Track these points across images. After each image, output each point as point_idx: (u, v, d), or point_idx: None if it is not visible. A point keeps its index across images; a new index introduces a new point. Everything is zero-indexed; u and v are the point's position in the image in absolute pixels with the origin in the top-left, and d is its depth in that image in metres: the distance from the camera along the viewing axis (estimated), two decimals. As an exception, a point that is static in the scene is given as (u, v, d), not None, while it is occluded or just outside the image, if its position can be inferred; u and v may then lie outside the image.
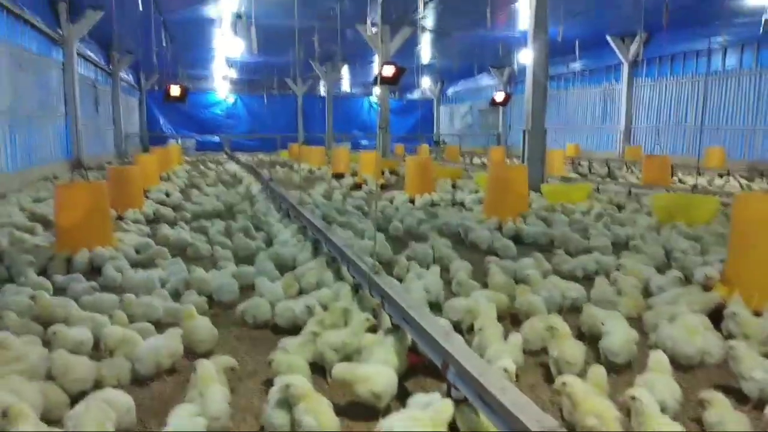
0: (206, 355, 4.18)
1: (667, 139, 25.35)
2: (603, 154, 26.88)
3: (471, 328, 4.60)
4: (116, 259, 6.90)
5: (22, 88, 16.98)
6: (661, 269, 6.53)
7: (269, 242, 8.26)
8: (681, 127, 24.98)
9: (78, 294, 5.58)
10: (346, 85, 42.19)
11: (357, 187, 16.35)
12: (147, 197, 12.53)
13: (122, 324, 4.59)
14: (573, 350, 4.07)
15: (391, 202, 12.59)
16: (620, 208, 11.42)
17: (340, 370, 3.62)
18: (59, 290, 5.85)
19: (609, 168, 20.90)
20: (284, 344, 4.18)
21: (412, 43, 23.48)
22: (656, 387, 3.47)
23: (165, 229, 8.81)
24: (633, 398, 3.17)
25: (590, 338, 4.68)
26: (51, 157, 19.57)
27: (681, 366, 4.23)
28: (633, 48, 25.16)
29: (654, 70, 26.14)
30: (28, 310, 4.99)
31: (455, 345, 3.39)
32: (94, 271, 6.85)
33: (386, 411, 3.65)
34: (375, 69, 30.45)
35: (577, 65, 29.43)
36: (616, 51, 25.70)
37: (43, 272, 6.55)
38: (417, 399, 3.43)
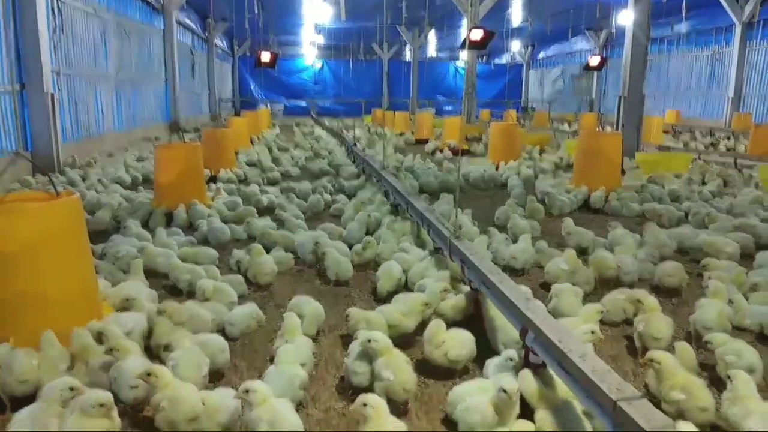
0: (267, 286, 5.20)
1: (780, 108, 23.13)
2: (707, 122, 24.98)
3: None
4: (211, 216, 7.33)
5: (126, 55, 18.07)
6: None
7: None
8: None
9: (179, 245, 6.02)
10: (431, 50, 41.50)
11: (439, 151, 16.20)
12: (238, 158, 13.08)
13: (214, 277, 4.94)
14: (660, 325, 3.92)
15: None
16: (726, 182, 10.55)
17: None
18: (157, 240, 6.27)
19: (712, 136, 19.44)
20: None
21: (502, 6, 22.61)
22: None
23: (254, 190, 9.20)
24: (728, 377, 3.02)
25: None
26: (152, 119, 20.83)
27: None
28: (748, 7, 22.88)
29: (771, 31, 23.72)
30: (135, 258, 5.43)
31: (535, 310, 3.35)
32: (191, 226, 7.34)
33: (464, 371, 3.71)
34: (462, 33, 29.70)
35: (682, 26, 27.21)
36: (728, 11, 23.48)
37: (144, 224, 7.06)
38: (494, 361, 3.45)
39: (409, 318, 4.10)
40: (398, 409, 3.24)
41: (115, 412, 2.86)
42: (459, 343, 3.64)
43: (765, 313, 4.31)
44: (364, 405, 2.71)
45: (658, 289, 5.13)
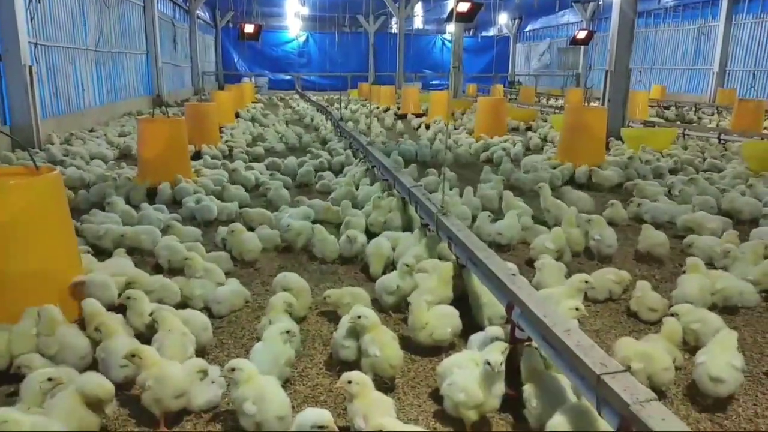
0: (253, 262, 5.16)
1: (764, 82, 23.26)
2: (692, 97, 25.09)
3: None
4: (197, 192, 7.26)
5: (106, 26, 17.62)
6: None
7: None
8: (783, 70, 22.78)
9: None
10: (418, 23, 41.03)
11: (401, 117, 16.12)
12: (222, 133, 12.91)
13: (200, 255, 4.90)
14: (654, 298, 4.10)
15: (457, 143, 12.37)
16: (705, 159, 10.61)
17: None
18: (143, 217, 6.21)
19: (696, 112, 19.57)
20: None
21: (489, -24, 22.35)
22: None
23: (239, 166, 9.10)
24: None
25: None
26: (134, 93, 20.45)
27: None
28: (735, -20, 22.88)
29: (757, 5, 23.71)
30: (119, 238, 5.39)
31: (521, 286, 3.37)
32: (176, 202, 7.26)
33: (450, 346, 3.75)
34: (450, 5, 29.34)
35: (669, 0, 27.15)
36: (715, -17, 23.50)
37: (126, 200, 6.96)
38: (478, 336, 3.49)
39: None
40: (385, 385, 3.27)
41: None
42: (443, 322, 3.67)
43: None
44: (349, 382, 2.72)
45: (639, 264, 5.22)
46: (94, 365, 3.29)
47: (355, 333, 3.38)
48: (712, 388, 3.11)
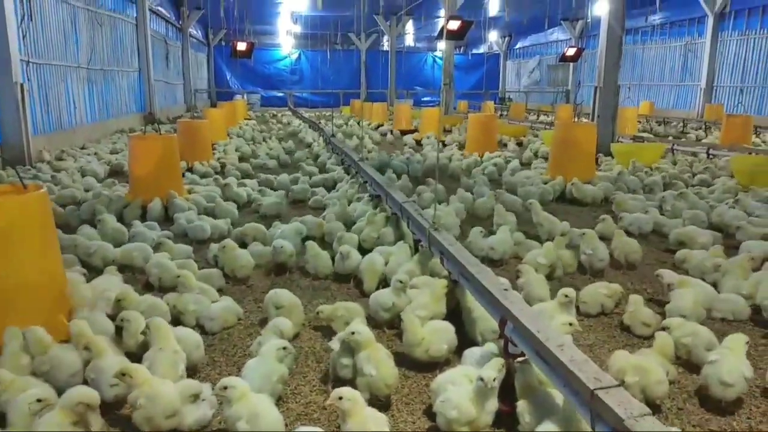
0: (245, 279, 5.16)
1: (751, 98, 23.59)
2: (680, 113, 25.39)
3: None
4: (190, 210, 7.24)
5: (98, 44, 17.66)
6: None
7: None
8: (768, 87, 23.13)
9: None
10: (409, 40, 41.40)
11: (417, 143, 16.25)
12: (215, 150, 12.91)
13: (192, 271, 4.90)
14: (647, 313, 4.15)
15: (450, 160, 12.43)
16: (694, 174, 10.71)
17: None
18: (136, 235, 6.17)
19: (684, 127, 19.80)
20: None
21: (480, -5, 22.64)
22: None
23: (231, 182, 9.09)
24: None
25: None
26: (126, 111, 20.43)
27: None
28: (720, -1, 23.29)
29: (742, 23, 24.15)
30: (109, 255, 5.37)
31: (513, 301, 3.37)
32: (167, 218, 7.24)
33: (445, 362, 3.73)
34: (440, 23, 29.68)
35: (656, 18, 27.57)
36: (701, 1, 23.87)
37: (118, 217, 6.93)
38: (473, 351, 3.48)
39: None
40: (379, 401, 3.25)
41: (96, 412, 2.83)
42: (439, 338, 3.66)
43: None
44: (340, 398, 2.70)
45: (631, 277, 5.24)
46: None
47: (351, 350, 3.36)
48: (721, 392, 3.19)
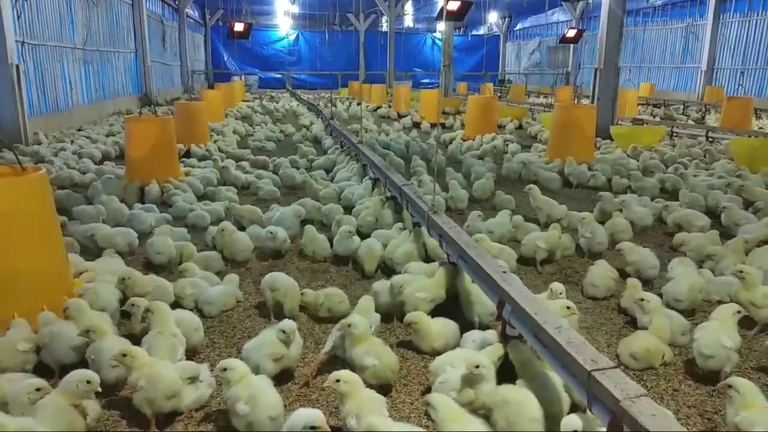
0: (244, 262, 5.16)
1: (752, 81, 23.46)
2: (681, 95, 25.28)
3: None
4: (186, 192, 7.23)
5: (94, 25, 17.47)
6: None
7: (330, 179, 8.40)
8: (770, 69, 22.97)
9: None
10: (409, 21, 41.01)
11: (416, 126, 16.18)
12: (212, 133, 12.85)
13: (190, 254, 5.02)
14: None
15: (450, 142, 12.40)
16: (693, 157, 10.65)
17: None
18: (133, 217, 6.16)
19: (685, 110, 19.72)
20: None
21: (479, -25, 22.36)
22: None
23: (229, 165, 9.06)
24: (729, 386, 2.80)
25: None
26: (122, 92, 20.29)
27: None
28: (722, -21, 23.05)
29: (744, 4, 23.92)
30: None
31: (512, 284, 3.38)
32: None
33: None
34: (440, 3, 29.35)
35: (658, -1, 27.36)
36: (703, -18, 23.67)
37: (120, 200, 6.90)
38: (472, 335, 3.49)
39: None
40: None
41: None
42: (445, 336, 3.65)
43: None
44: (338, 381, 2.70)
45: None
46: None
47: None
48: (702, 363, 3.33)
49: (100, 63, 18.02)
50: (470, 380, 2.85)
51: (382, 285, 4.24)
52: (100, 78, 18.04)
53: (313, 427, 2.40)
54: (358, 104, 20.76)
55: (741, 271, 4.02)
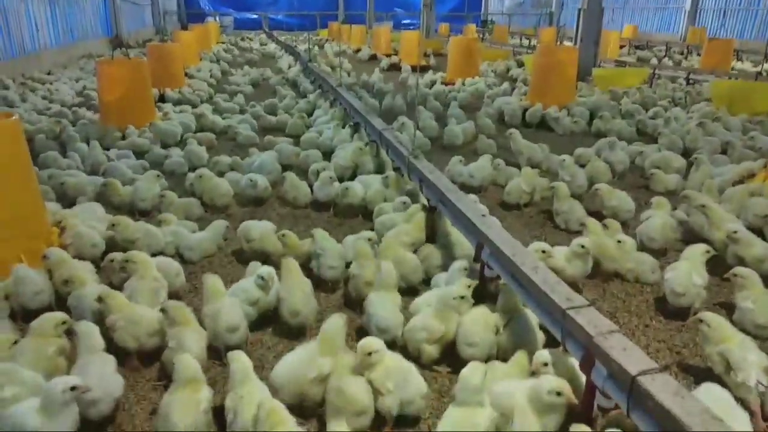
0: (224, 208, 5.18)
1: (734, 21, 23.25)
2: (664, 36, 25.02)
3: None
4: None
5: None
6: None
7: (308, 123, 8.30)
8: (752, 10, 22.74)
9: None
10: (389, -42, 39.44)
11: (395, 67, 15.87)
12: (187, 76, 12.48)
13: (170, 200, 4.97)
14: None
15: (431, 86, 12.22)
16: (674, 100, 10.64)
17: None
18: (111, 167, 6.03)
19: (668, 51, 19.58)
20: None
21: None
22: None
23: (206, 110, 8.85)
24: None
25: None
26: (91, 34, 19.49)
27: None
28: None
29: (731, -61, 23.42)
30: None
31: (490, 226, 3.43)
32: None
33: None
34: (421, -61, 28.21)
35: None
36: None
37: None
38: (439, 276, 3.62)
39: None
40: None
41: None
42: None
43: None
44: (369, 354, 2.55)
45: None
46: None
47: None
48: (674, 300, 3.49)
49: (67, 3, 17.19)
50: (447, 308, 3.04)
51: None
52: (68, 18, 17.25)
53: (262, 278, 3.06)
54: (333, 47, 20.24)
55: (703, 206, 4.25)
